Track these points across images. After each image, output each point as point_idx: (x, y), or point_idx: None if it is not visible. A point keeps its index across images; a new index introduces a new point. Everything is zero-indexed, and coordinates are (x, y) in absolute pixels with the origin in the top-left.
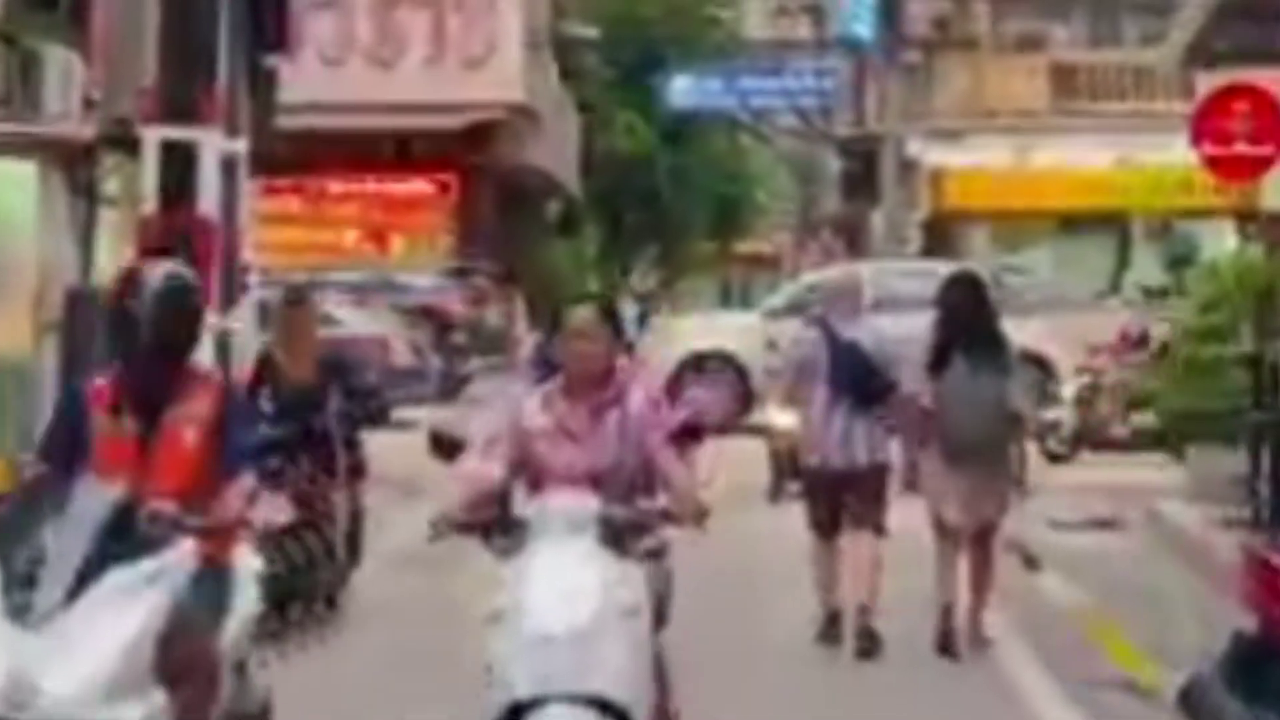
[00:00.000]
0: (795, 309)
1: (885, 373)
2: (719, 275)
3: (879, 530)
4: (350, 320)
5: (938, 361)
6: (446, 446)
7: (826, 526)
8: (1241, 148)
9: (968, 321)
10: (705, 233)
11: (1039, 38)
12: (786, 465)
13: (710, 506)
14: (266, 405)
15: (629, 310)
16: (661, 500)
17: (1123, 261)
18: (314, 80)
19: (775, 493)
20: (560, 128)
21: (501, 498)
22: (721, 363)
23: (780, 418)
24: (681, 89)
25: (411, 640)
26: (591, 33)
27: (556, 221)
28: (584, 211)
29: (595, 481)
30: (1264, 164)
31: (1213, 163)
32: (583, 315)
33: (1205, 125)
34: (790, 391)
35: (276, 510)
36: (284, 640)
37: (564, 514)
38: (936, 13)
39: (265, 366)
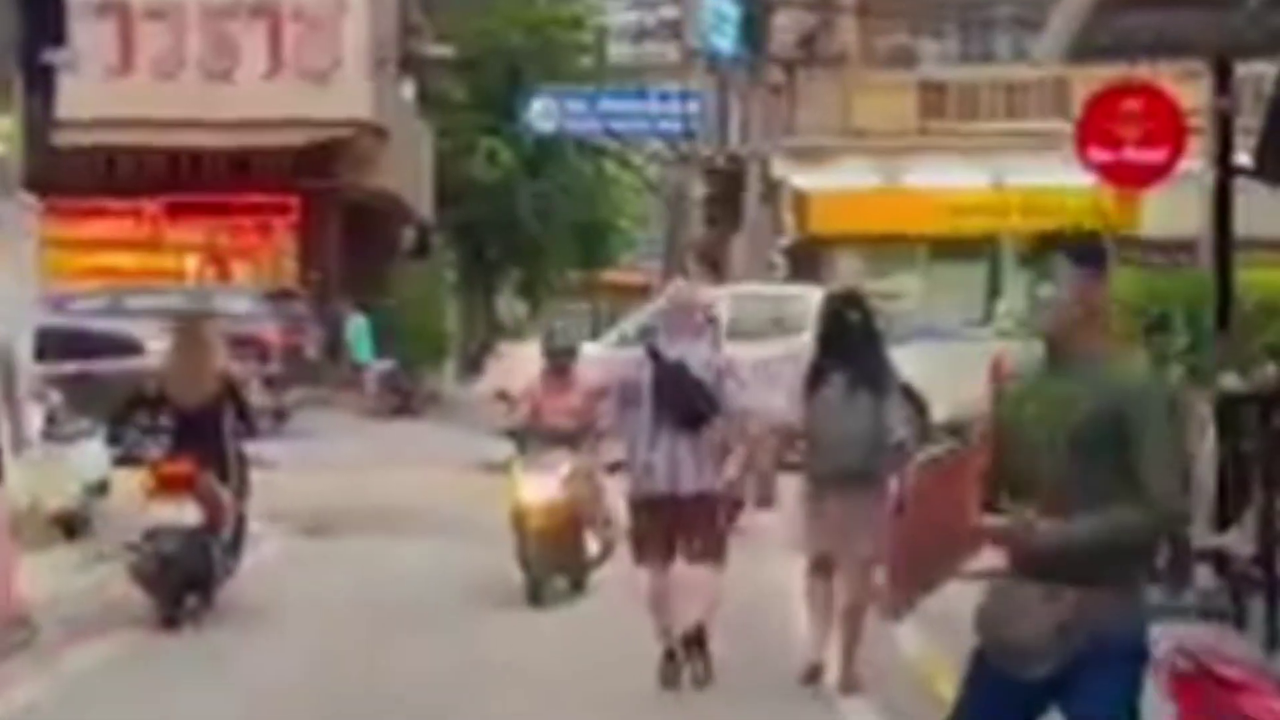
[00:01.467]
0: (647, 335)
1: (712, 394)
2: (587, 304)
3: (716, 561)
4: (157, 349)
5: (812, 381)
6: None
7: (657, 558)
8: (1132, 153)
9: (847, 341)
10: (571, 261)
11: (909, 54)
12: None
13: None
14: (168, 422)
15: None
16: None
17: (993, 289)
18: (144, 94)
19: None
20: (413, 150)
21: None
22: None
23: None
24: (541, 112)
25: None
26: (446, 51)
27: (411, 249)
28: (440, 238)
29: None
30: (1157, 171)
31: (1101, 169)
32: None
33: (1091, 127)
34: (615, 417)
35: (186, 513)
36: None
37: None
38: (802, 28)
39: (164, 387)
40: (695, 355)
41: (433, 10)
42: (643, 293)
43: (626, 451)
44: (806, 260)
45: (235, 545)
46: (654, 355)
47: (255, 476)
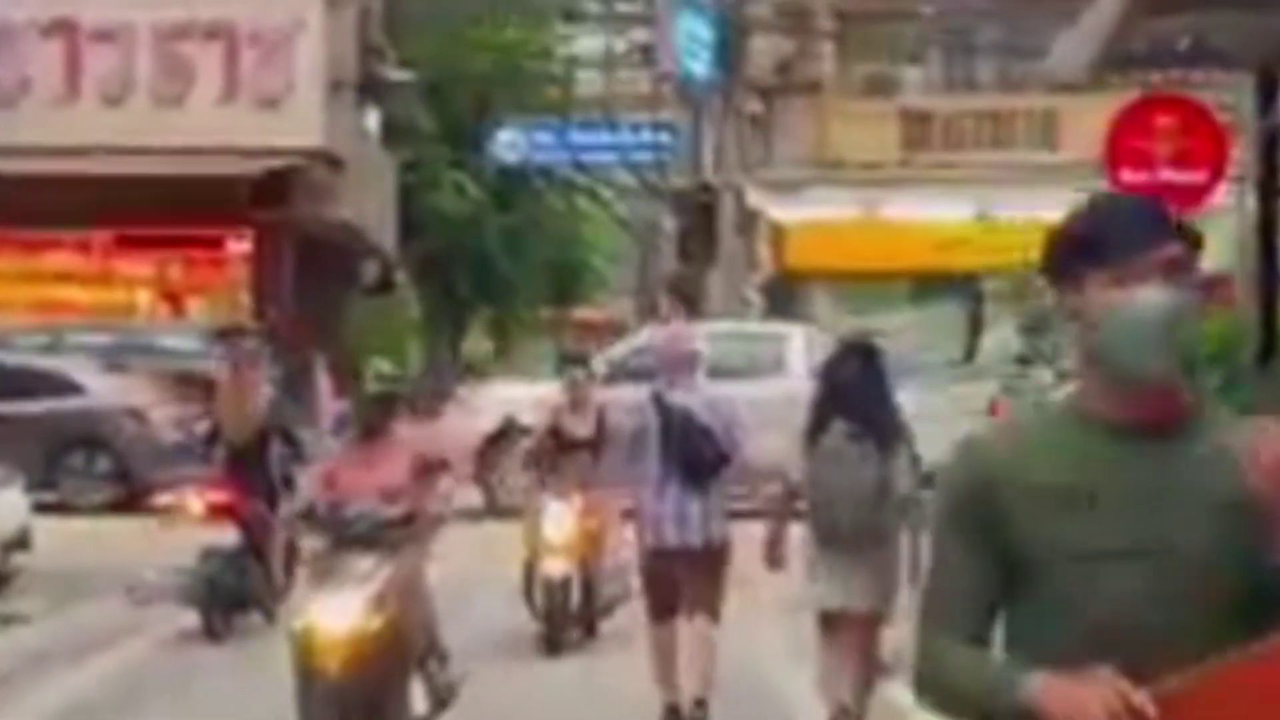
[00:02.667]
0: (620, 375)
1: (721, 443)
2: (557, 342)
3: (713, 615)
4: (98, 388)
5: (815, 431)
6: None
7: (663, 611)
8: (1168, 174)
9: (854, 389)
10: (541, 298)
11: (889, 81)
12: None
13: None
14: (220, 453)
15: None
16: None
17: (976, 326)
18: (91, 121)
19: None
20: (373, 181)
21: None
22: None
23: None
24: (508, 143)
25: None
26: (408, 76)
27: (374, 284)
28: (403, 274)
29: None
30: (1196, 194)
31: (1130, 191)
32: None
33: (1121, 146)
34: (626, 467)
35: (230, 538)
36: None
37: None
38: (779, 53)
39: (216, 421)
40: (698, 401)
41: (397, 36)
42: (614, 330)
43: (636, 502)
44: (782, 297)
45: (288, 566)
46: (659, 402)
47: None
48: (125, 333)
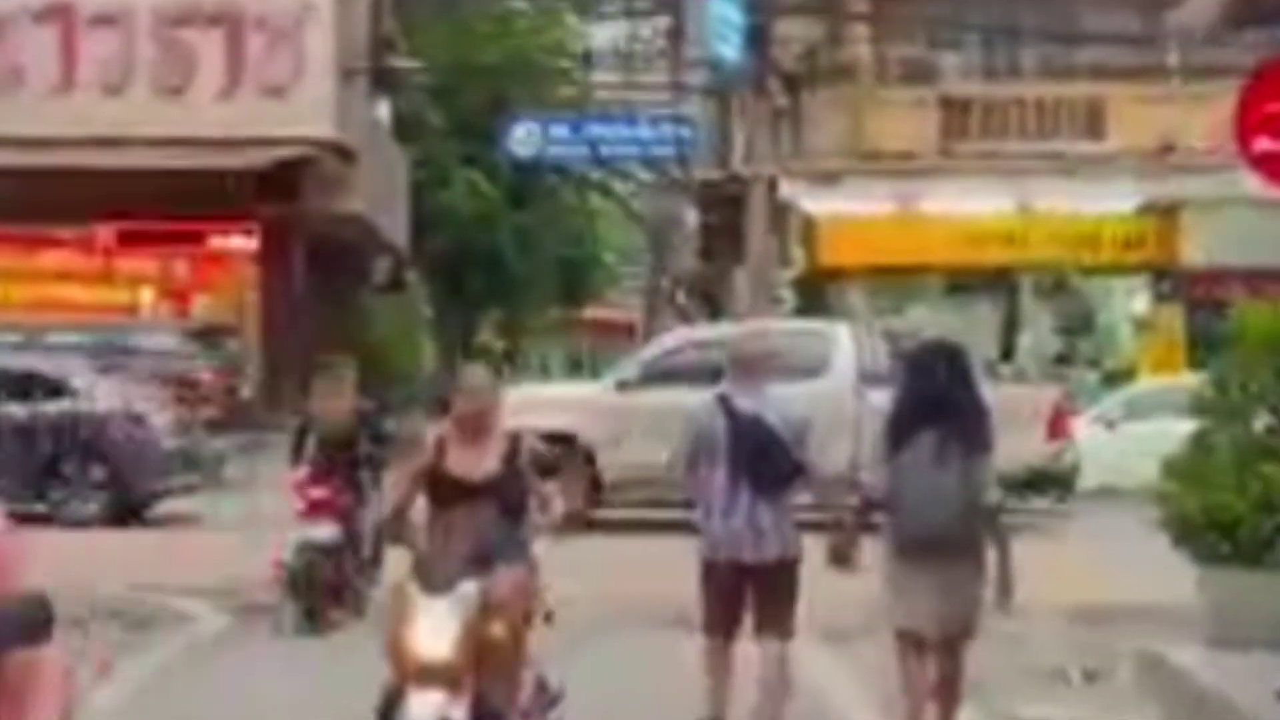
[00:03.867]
0: (653, 378)
1: (794, 452)
2: (568, 342)
3: (786, 634)
4: (91, 390)
5: (896, 441)
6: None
7: (722, 628)
8: None
9: (939, 396)
10: (552, 297)
11: (927, 67)
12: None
13: None
14: (312, 450)
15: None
16: None
17: (1012, 324)
18: (88, 111)
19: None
20: (385, 175)
21: None
22: (559, 446)
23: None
24: (523, 137)
25: None
26: (416, 65)
27: (385, 282)
28: (415, 272)
29: None
30: None
31: (1268, 166)
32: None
33: (1257, 112)
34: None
35: (322, 530)
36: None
37: None
38: (811, 38)
39: (307, 420)
40: (771, 409)
41: (409, 32)
42: (626, 330)
43: (700, 514)
44: (814, 294)
45: (375, 559)
46: (728, 408)
47: (176, 537)
48: (103, 332)
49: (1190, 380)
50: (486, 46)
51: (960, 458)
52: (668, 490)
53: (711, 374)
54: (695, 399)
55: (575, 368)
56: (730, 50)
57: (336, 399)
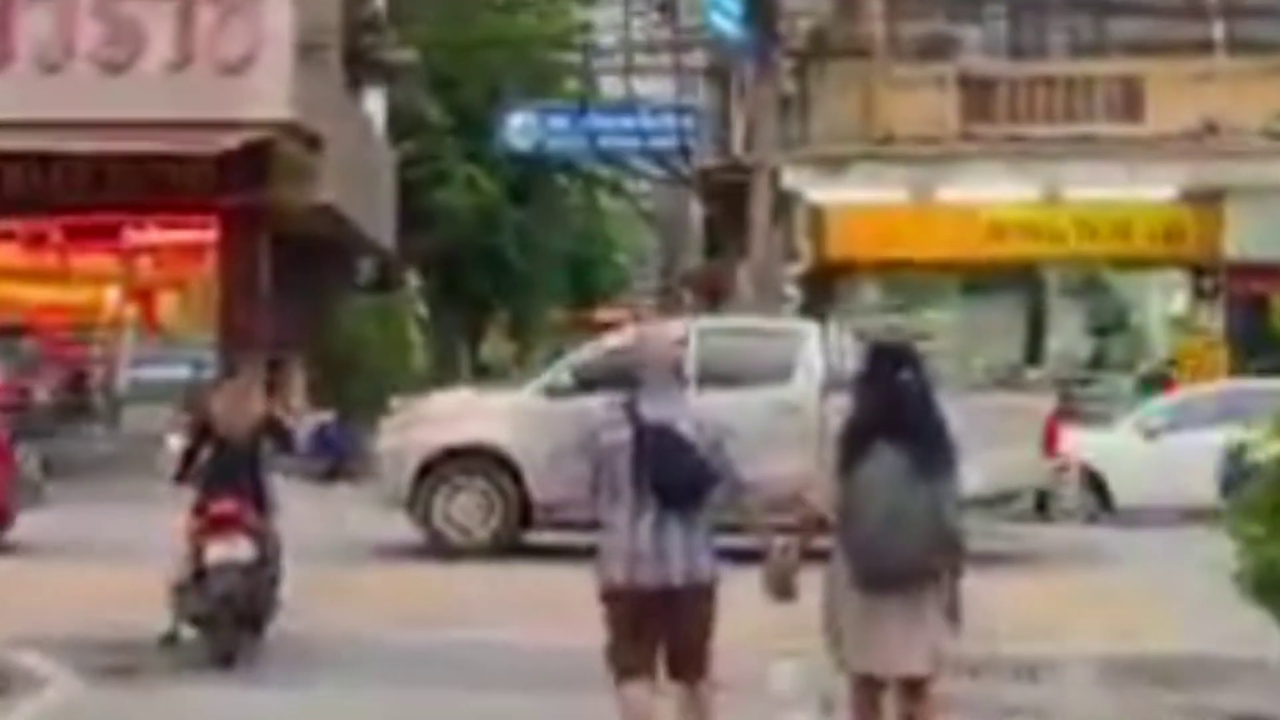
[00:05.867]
0: (589, 384)
1: (708, 463)
2: (577, 345)
3: (702, 669)
4: None
5: (851, 455)
6: None
7: (636, 667)
8: None
9: (898, 405)
10: (561, 298)
11: (946, 43)
12: None
13: None
14: (208, 460)
15: None
16: None
17: (1037, 325)
18: (24, 91)
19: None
20: (362, 168)
21: None
22: (482, 459)
23: None
24: (521, 128)
25: None
26: (408, 56)
27: (369, 281)
28: (411, 271)
29: None
30: None
31: None
32: None
33: None
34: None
35: (240, 549)
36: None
37: None
38: (819, 11)
39: (204, 426)
40: (682, 415)
41: (403, 19)
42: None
43: (604, 534)
44: (822, 290)
45: (275, 579)
46: (633, 416)
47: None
48: None
49: (1241, 385)
50: (488, 39)
51: (925, 476)
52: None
53: None
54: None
55: None
56: (729, 24)
57: (241, 402)
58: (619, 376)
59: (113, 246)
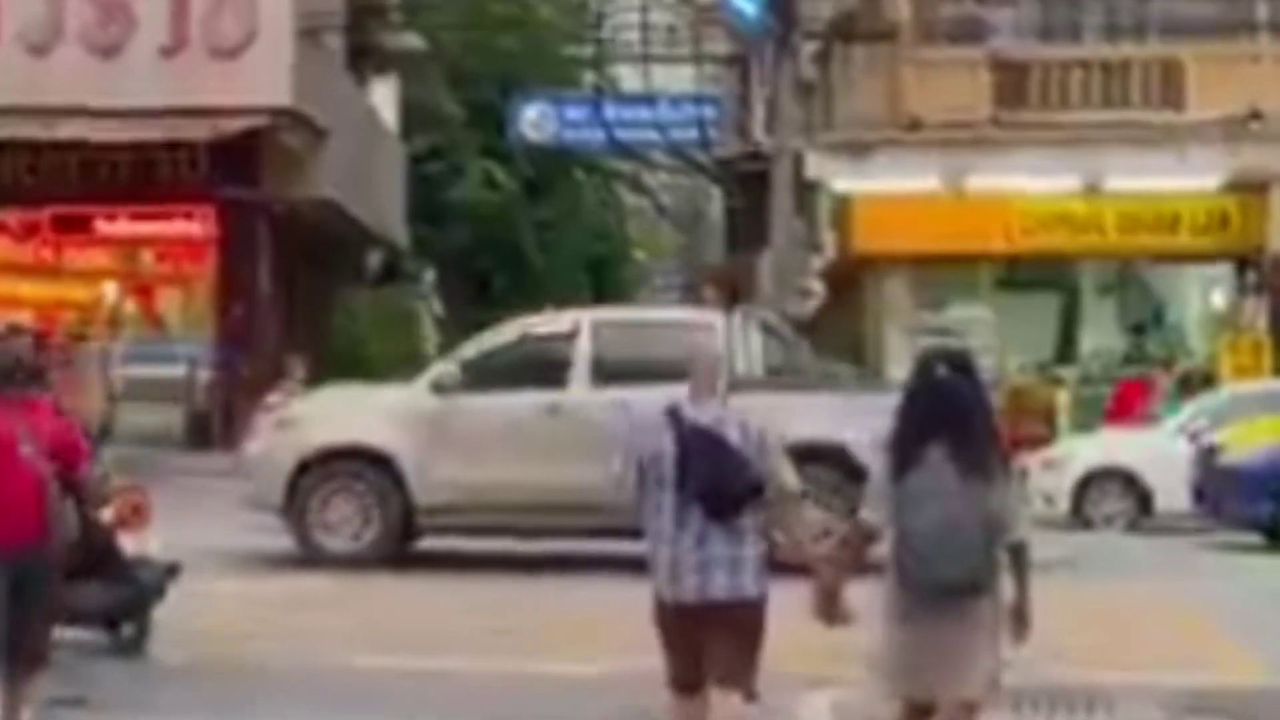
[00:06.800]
0: (479, 380)
1: (754, 469)
2: None
3: (748, 693)
4: None
5: (901, 463)
6: None
7: (686, 681)
8: None
9: (948, 411)
10: (581, 295)
11: (976, 25)
12: None
13: None
14: None
15: None
16: None
17: (1069, 321)
18: (11, 76)
19: None
20: (367, 159)
21: None
22: (361, 461)
23: None
24: (536, 120)
25: None
26: (416, 43)
27: (377, 277)
28: (426, 267)
29: None
30: None
31: None
32: None
33: None
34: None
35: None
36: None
37: None
38: None
39: None
40: (729, 419)
41: (416, 9)
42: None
43: (648, 545)
44: (847, 285)
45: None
46: (676, 420)
47: None
48: None
49: None
50: (501, 30)
51: (979, 483)
52: (496, 515)
53: (553, 375)
54: (527, 404)
55: None
56: (749, 5)
57: (83, 390)
58: (510, 373)
59: (105, 240)
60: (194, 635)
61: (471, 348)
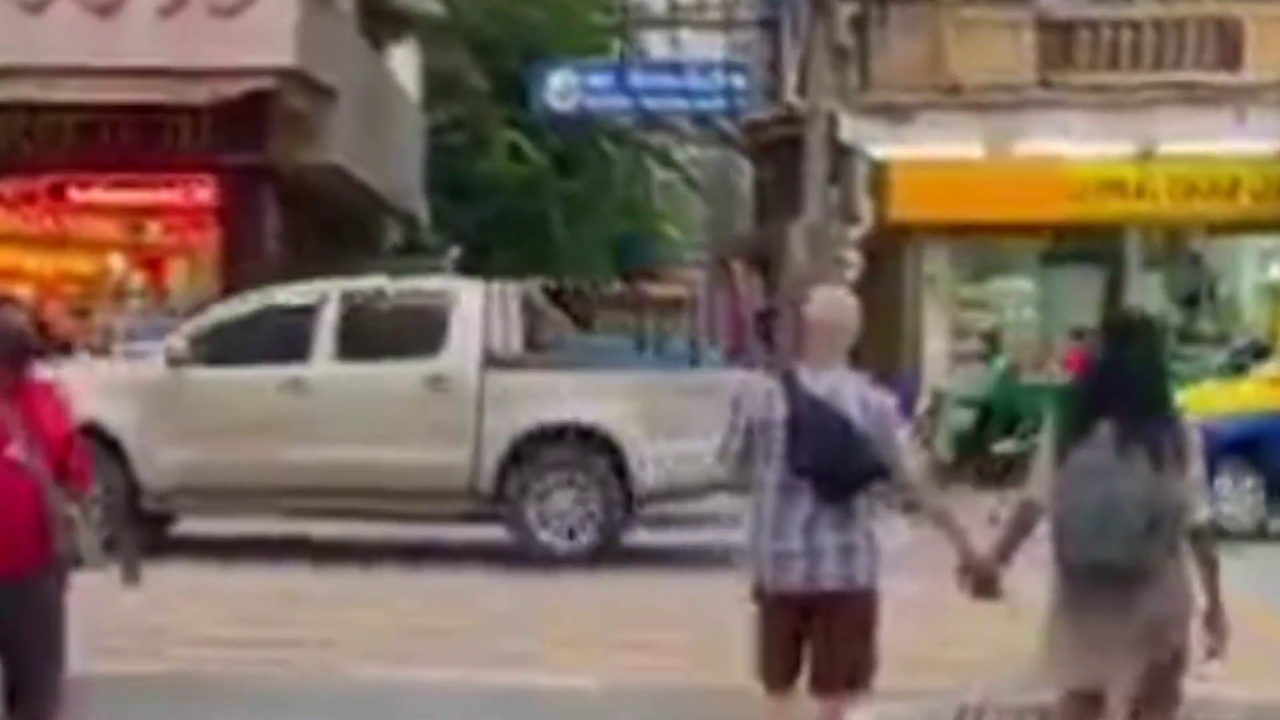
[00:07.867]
0: (212, 353)
1: (873, 447)
2: (631, 322)
3: (855, 685)
4: None
5: (1068, 439)
6: None
7: (784, 677)
8: None
9: (1120, 384)
10: (610, 271)
11: None
12: None
13: None
14: None
15: None
16: None
17: (1114, 293)
18: (3, 34)
19: None
20: (379, 127)
21: None
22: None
23: None
24: (560, 89)
25: None
26: (435, 7)
27: (395, 250)
28: (449, 241)
29: None
30: None
31: None
32: None
33: None
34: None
35: None
36: None
37: None
38: None
39: None
40: (848, 391)
41: None
42: (676, 305)
43: (749, 528)
44: (884, 256)
45: None
46: (789, 388)
47: None
48: None
49: None
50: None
51: (1145, 463)
52: (238, 502)
53: (293, 349)
54: (265, 377)
55: (640, 347)
56: None
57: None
58: (250, 346)
59: (105, 208)
60: None
61: (206, 318)
